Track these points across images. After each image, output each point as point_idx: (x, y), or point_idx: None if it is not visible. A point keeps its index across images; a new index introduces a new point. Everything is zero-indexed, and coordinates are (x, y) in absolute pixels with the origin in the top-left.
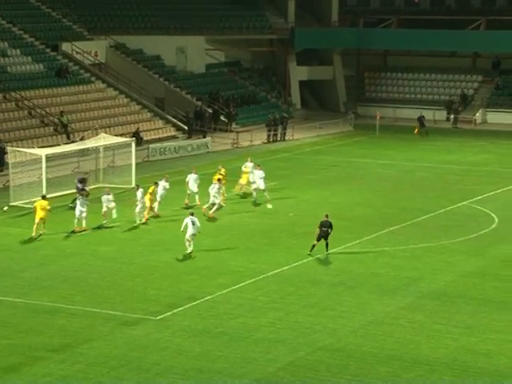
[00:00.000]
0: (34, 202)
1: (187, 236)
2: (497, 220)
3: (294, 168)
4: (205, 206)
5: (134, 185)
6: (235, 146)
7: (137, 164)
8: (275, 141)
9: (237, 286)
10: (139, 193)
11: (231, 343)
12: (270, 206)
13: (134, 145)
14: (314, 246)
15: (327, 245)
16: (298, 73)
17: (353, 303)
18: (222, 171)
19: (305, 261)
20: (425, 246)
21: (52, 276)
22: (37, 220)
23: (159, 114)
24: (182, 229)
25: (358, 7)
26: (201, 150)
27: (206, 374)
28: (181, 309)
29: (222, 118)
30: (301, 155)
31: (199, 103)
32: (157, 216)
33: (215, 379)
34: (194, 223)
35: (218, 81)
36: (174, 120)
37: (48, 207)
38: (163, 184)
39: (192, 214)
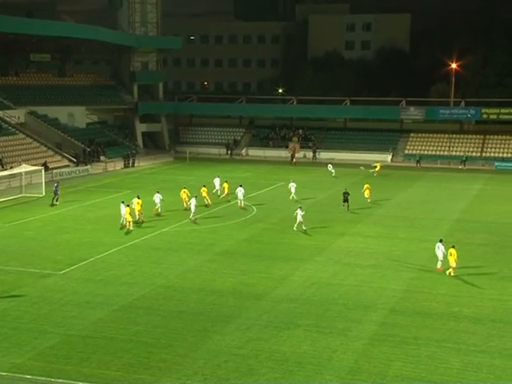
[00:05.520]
0: None
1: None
2: (255, 210)
3: (141, 182)
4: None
5: (44, 194)
6: (105, 170)
7: (46, 182)
8: (128, 167)
9: (108, 252)
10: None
11: (106, 285)
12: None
13: (43, 170)
14: (343, 205)
15: (348, 206)
16: (141, 127)
17: (176, 260)
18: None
19: (148, 236)
20: (218, 226)
21: None
22: None
23: (58, 152)
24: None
25: (174, 89)
26: (85, 173)
27: (91, 304)
28: (75, 266)
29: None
30: (144, 175)
31: (83, 146)
32: (158, 214)
33: (97, 308)
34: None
35: (94, 132)
36: (68, 155)
37: None
38: (159, 196)
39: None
